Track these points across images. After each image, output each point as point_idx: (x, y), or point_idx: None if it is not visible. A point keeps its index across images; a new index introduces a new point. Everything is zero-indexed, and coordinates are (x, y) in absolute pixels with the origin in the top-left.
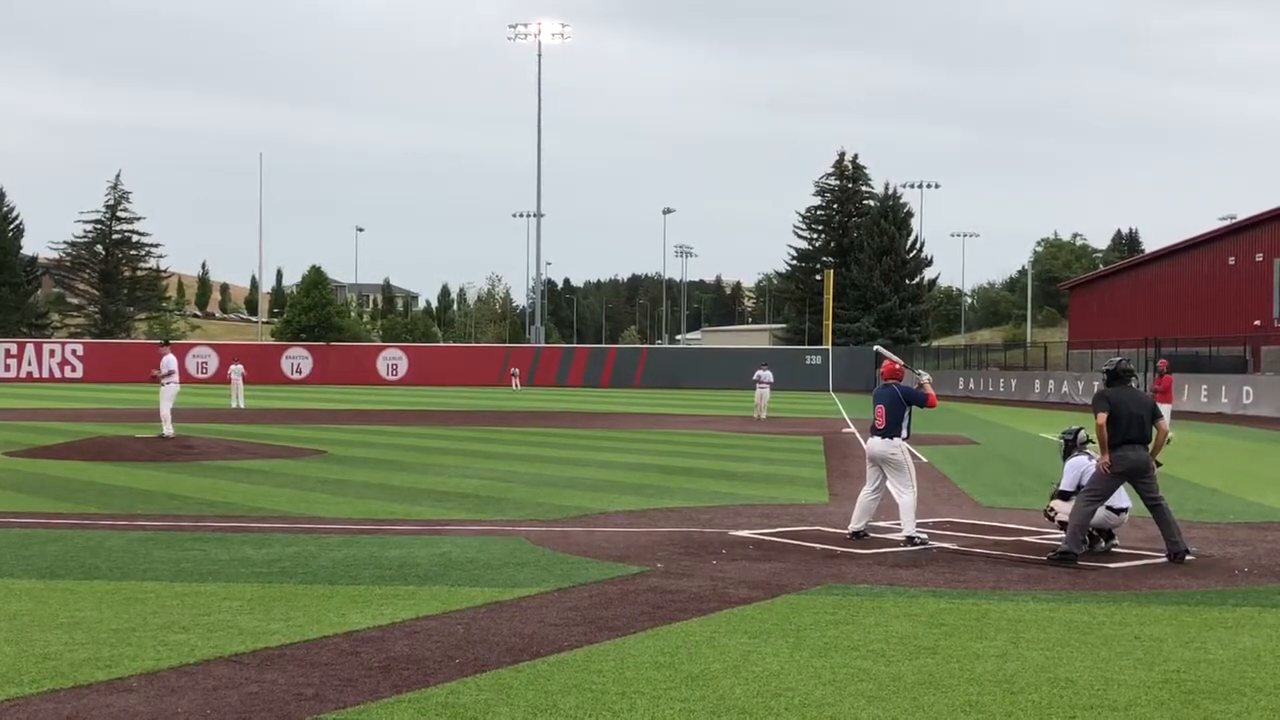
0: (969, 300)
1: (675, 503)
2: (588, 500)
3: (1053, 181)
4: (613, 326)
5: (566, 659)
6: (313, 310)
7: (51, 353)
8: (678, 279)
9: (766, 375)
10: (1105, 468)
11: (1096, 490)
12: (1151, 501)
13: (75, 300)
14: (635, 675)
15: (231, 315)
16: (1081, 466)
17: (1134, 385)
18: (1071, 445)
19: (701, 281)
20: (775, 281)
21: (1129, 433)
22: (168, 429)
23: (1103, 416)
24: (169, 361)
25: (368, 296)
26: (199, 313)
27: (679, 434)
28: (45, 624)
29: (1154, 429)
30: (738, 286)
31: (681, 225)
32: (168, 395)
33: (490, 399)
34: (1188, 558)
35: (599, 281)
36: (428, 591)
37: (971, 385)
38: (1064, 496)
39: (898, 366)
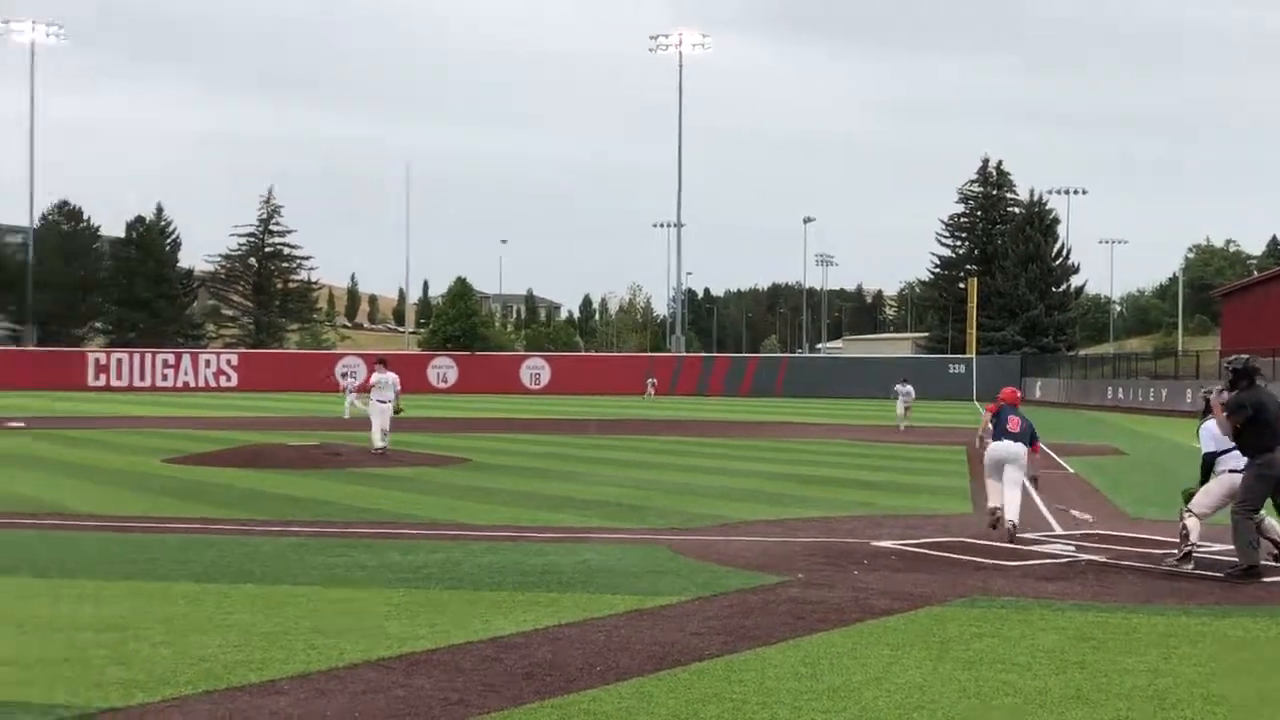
0: (1117, 308)
1: (815, 512)
2: (727, 509)
3: (1205, 187)
4: (753, 335)
5: (707, 668)
6: (458, 320)
7: (207, 363)
8: (818, 287)
9: (905, 389)
10: (1252, 475)
11: (1248, 499)
12: None
13: (230, 312)
14: (776, 685)
15: (379, 326)
16: (1213, 430)
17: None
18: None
19: (842, 290)
20: (917, 290)
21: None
22: (380, 442)
23: (1237, 419)
24: (385, 379)
25: (511, 307)
26: (348, 323)
27: (819, 443)
28: (201, 627)
29: None
30: (879, 295)
31: (822, 233)
32: (379, 411)
33: (631, 408)
34: None
35: (739, 290)
36: (569, 599)
37: (1120, 395)
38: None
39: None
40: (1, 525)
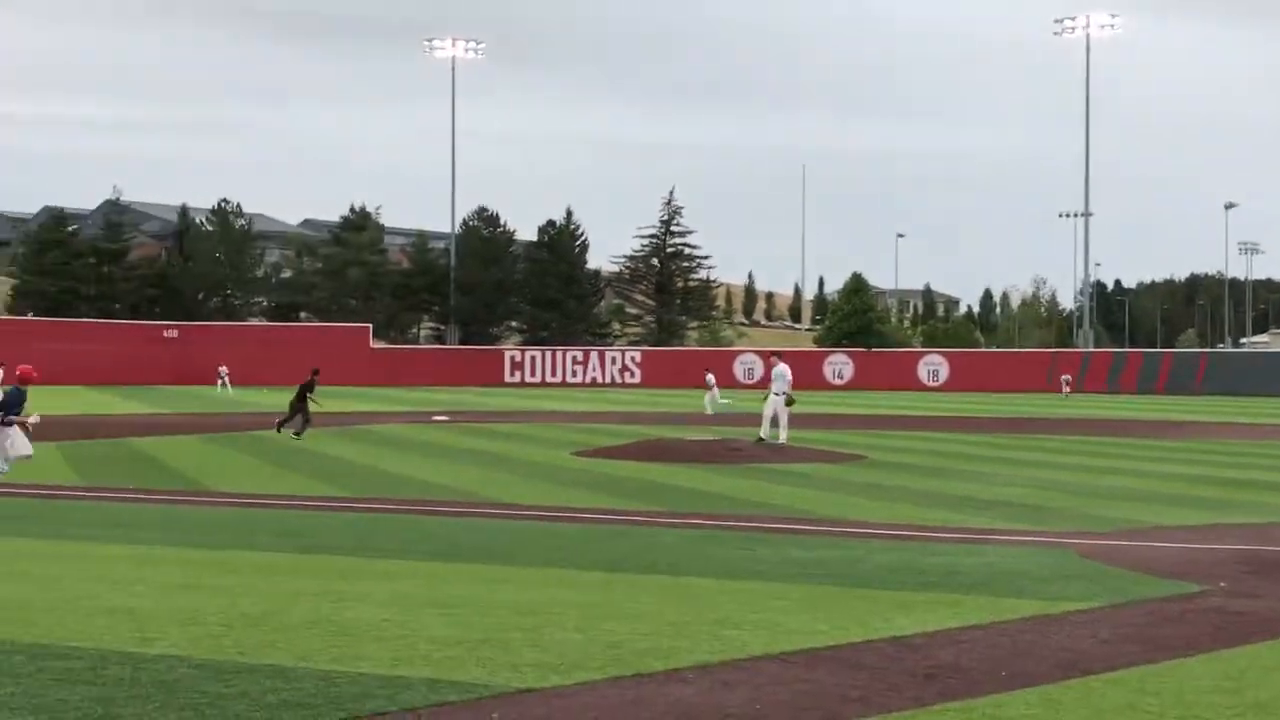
0: None
1: (1240, 518)
2: (1139, 512)
3: None
4: (1168, 329)
5: (1119, 678)
6: (853, 316)
7: (613, 360)
8: (1242, 278)
9: None
10: None
11: None
12: None
13: (633, 310)
14: (1195, 699)
15: (776, 323)
16: None
17: None
18: None
19: (1269, 280)
20: None
21: None
22: (781, 436)
23: None
24: (784, 371)
25: (908, 302)
26: (745, 321)
27: (1246, 445)
28: (611, 613)
29: None
30: None
31: (1245, 220)
32: (775, 404)
33: (1034, 405)
34: None
35: (1152, 282)
36: (972, 601)
37: None
38: None
39: None
40: (428, 513)
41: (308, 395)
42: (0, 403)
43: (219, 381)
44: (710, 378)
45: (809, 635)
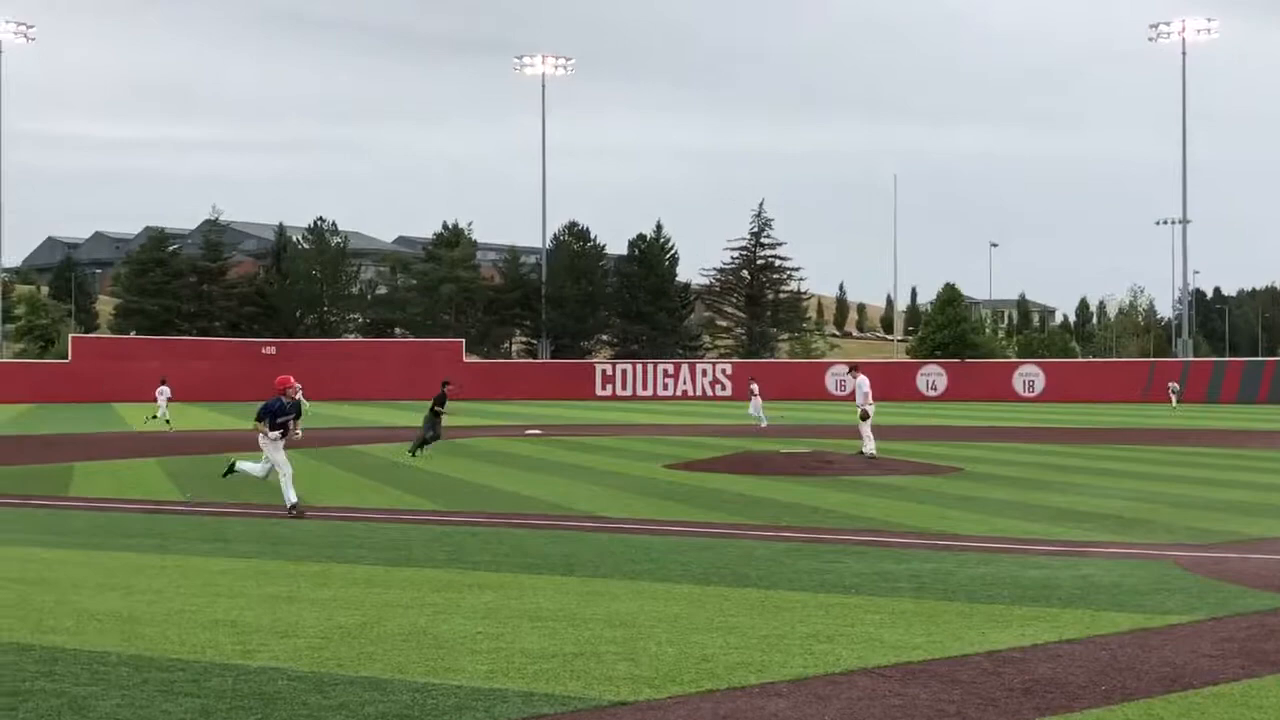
0: None
1: None
2: (1243, 524)
3: None
4: (1270, 338)
5: (1223, 692)
6: (947, 327)
7: (704, 372)
8: None
9: None
10: None
11: None
12: None
13: (724, 323)
14: None
15: (868, 334)
16: None
17: None
18: None
19: None
20: None
21: None
22: (867, 447)
23: None
24: (861, 383)
25: (1002, 312)
26: (837, 332)
27: None
28: (702, 627)
29: None
30: None
31: None
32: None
33: (1131, 416)
34: None
35: (1254, 289)
36: (1070, 614)
37: None
38: None
39: None
40: (521, 525)
41: (439, 410)
42: (266, 411)
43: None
44: (754, 386)
45: (903, 649)
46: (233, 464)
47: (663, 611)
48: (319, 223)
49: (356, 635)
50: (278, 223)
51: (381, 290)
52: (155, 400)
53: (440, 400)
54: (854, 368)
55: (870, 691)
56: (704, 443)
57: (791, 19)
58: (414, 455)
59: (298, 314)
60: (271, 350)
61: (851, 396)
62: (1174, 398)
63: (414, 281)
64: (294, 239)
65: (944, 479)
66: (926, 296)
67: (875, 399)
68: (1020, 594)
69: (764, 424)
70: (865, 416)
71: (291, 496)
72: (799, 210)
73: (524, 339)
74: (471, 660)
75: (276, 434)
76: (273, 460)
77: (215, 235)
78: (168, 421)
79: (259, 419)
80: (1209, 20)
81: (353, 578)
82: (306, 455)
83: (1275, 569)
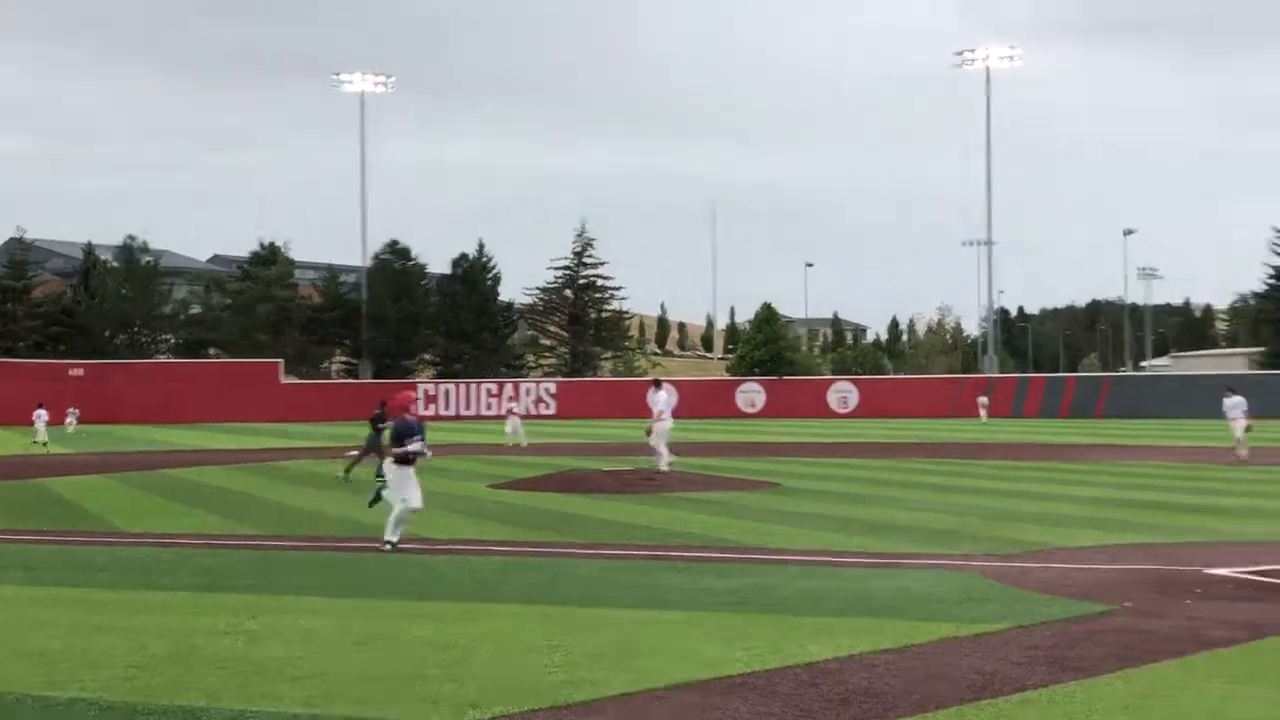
0: None
1: (1143, 538)
2: (1047, 535)
3: None
4: (1070, 355)
5: (1030, 698)
6: (765, 345)
7: (528, 391)
8: (1141, 303)
9: (1233, 402)
10: None
11: None
12: None
13: (547, 342)
14: (1104, 719)
15: (689, 352)
16: None
17: None
18: None
19: (1168, 305)
20: (1251, 302)
21: None
22: (663, 463)
23: None
24: (656, 399)
25: (817, 330)
26: (659, 350)
27: (1145, 466)
28: (526, 646)
29: None
30: (1208, 309)
31: (1144, 246)
32: (660, 431)
33: (942, 431)
34: None
35: (1055, 308)
36: (886, 625)
37: None
38: None
39: None
40: (341, 549)
41: (380, 427)
42: (398, 436)
43: (66, 423)
44: (513, 406)
45: (724, 664)
46: (378, 491)
47: (487, 631)
48: (129, 240)
49: (169, 663)
50: (86, 241)
51: (195, 310)
52: (33, 424)
53: (380, 419)
54: (657, 383)
55: (692, 706)
56: (528, 461)
57: (615, 40)
58: (346, 475)
59: (107, 334)
60: (79, 372)
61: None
62: (983, 412)
63: (229, 301)
64: (103, 258)
65: (764, 494)
66: (745, 315)
67: (695, 415)
68: (838, 606)
69: (524, 443)
70: (649, 432)
71: (395, 535)
72: (622, 230)
73: (344, 359)
74: (291, 686)
75: (409, 459)
76: (403, 493)
77: (20, 253)
78: (44, 445)
79: (395, 445)
80: (1011, 48)
81: (165, 604)
82: (113, 479)
83: (1078, 577)
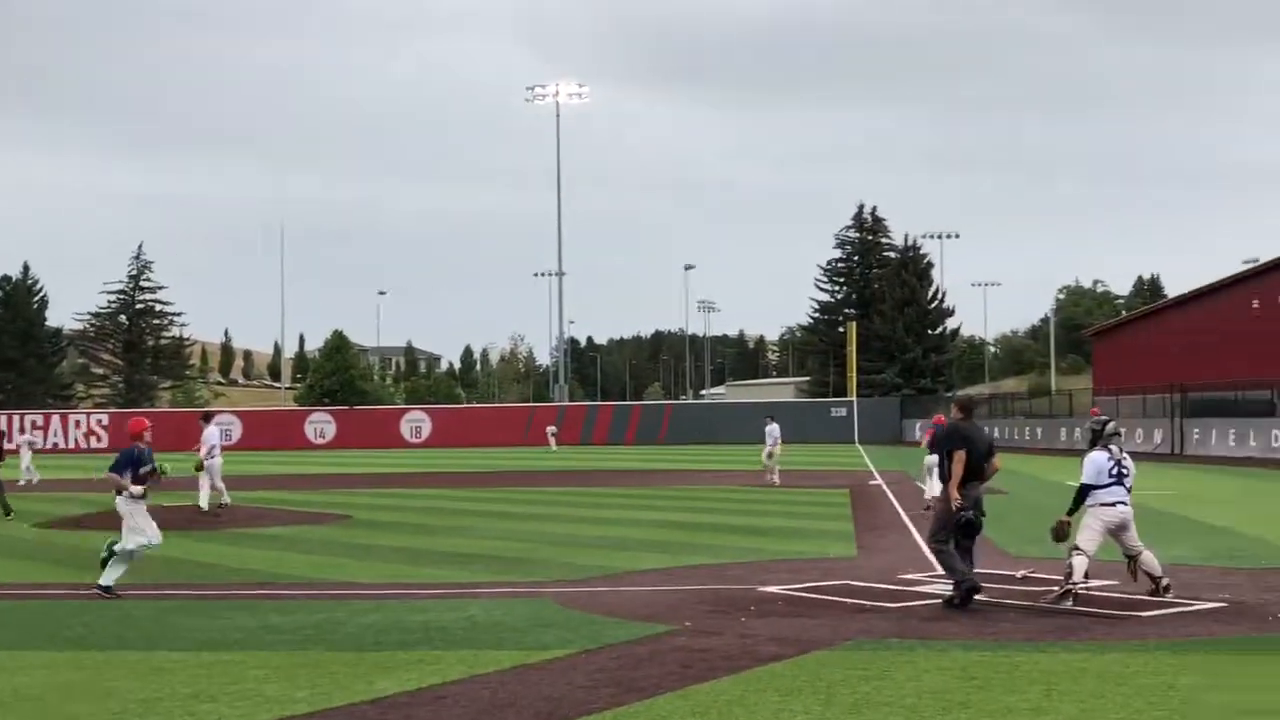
0: (992, 349)
1: (702, 560)
2: (614, 559)
3: (1072, 230)
4: (636, 383)
5: None
6: (335, 374)
7: (77, 423)
8: (700, 334)
9: (771, 428)
10: (956, 506)
11: (941, 531)
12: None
13: (100, 370)
14: None
15: (255, 381)
16: (1098, 462)
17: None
18: (1099, 436)
19: (725, 336)
20: (798, 334)
21: (977, 469)
22: (206, 503)
23: (961, 454)
24: (210, 435)
25: (390, 360)
26: (222, 380)
27: (705, 490)
28: (76, 695)
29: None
30: (761, 340)
31: (704, 280)
32: (214, 469)
33: (515, 459)
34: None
35: (622, 338)
36: (454, 656)
37: (997, 434)
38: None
39: None
40: None
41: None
42: (127, 463)
43: None
44: (23, 438)
45: (287, 703)
46: (111, 547)
47: (36, 681)
48: None
49: None
50: None
51: None
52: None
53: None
54: (206, 416)
55: None
56: (79, 498)
57: (169, 58)
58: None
59: None
60: None
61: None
62: (552, 440)
63: None
64: None
65: (334, 527)
66: (315, 343)
67: (261, 446)
68: (406, 639)
69: (35, 479)
70: (200, 468)
71: (117, 572)
72: (183, 254)
73: None
74: None
75: (140, 490)
76: (140, 527)
77: None
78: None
79: (118, 473)
80: (580, 85)
81: None
82: None
83: (641, 599)
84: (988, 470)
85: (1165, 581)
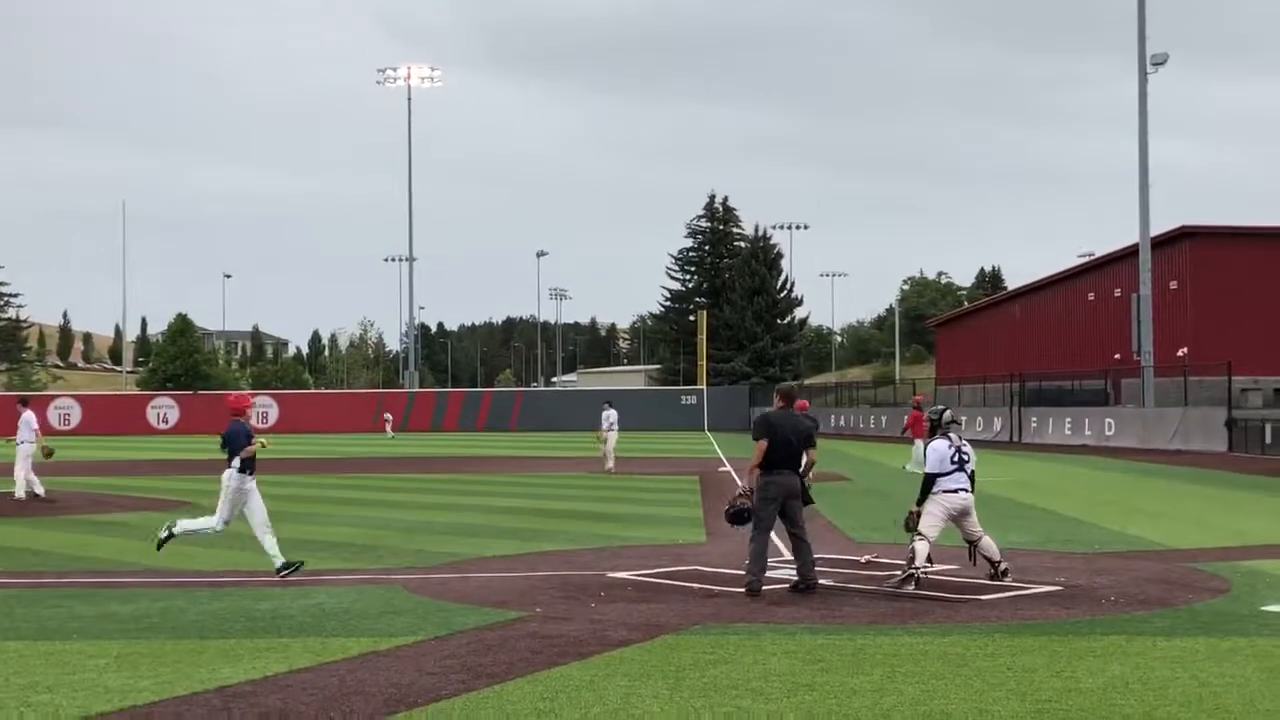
0: (839, 339)
1: (553, 546)
2: (465, 546)
3: (917, 222)
4: (488, 370)
5: (445, 708)
6: (179, 359)
7: None
8: (552, 321)
9: (608, 413)
10: (737, 493)
11: (760, 518)
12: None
13: None
14: None
15: (95, 365)
16: (940, 450)
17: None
18: (937, 425)
19: (576, 324)
20: (650, 323)
21: (783, 458)
22: (22, 490)
23: (761, 444)
24: (27, 420)
25: (236, 344)
26: (61, 363)
27: (556, 477)
28: None
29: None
30: (613, 328)
31: (556, 268)
32: (24, 455)
33: (364, 446)
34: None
35: (473, 325)
36: (301, 644)
37: (843, 422)
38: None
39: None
40: None
41: None
42: (238, 441)
43: None
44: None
45: (130, 694)
46: (171, 528)
47: None
48: None
49: None
50: None
51: None
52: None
53: None
54: (23, 402)
55: None
56: None
57: (11, 30)
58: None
59: None
60: None
61: (72, 431)
62: (388, 427)
63: None
64: None
65: (175, 514)
66: (158, 327)
67: (101, 431)
68: (252, 626)
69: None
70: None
71: (277, 551)
72: (19, 234)
73: None
74: None
75: (248, 472)
76: (241, 508)
77: None
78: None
79: (231, 453)
80: (433, 69)
81: None
82: None
83: (492, 586)
84: (805, 460)
85: (1004, 566)
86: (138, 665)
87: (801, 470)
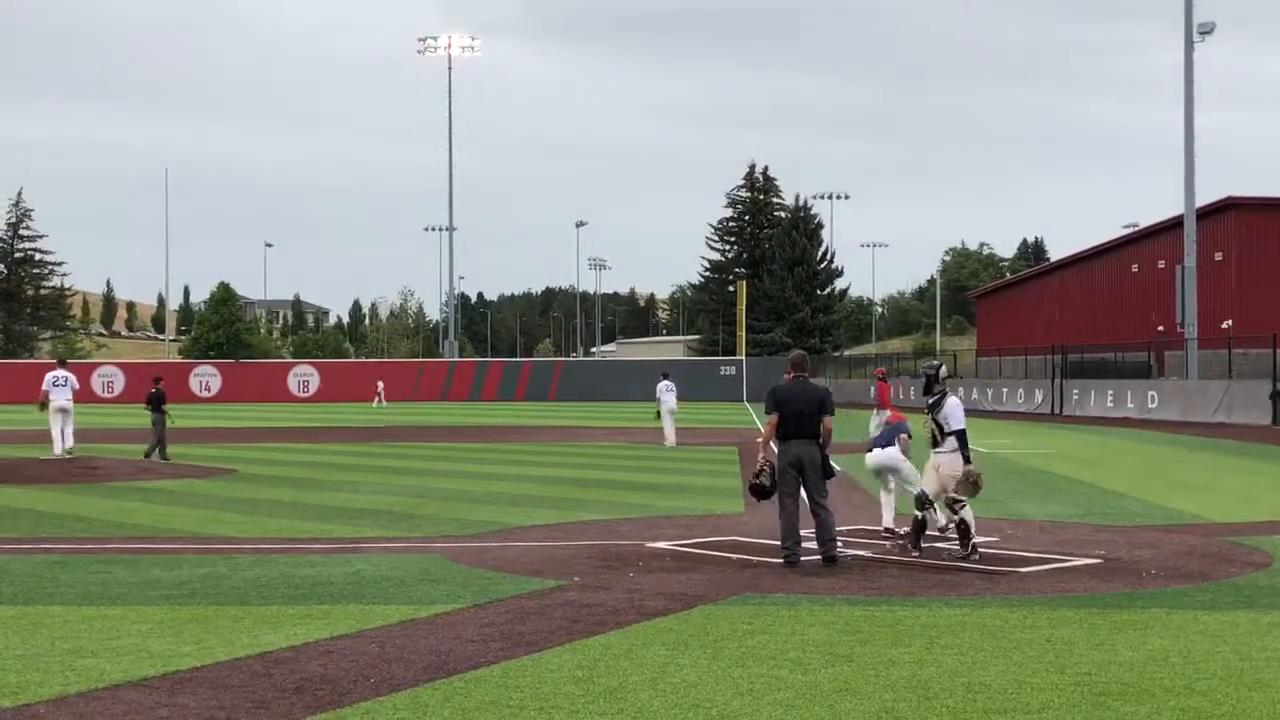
0: (879, 310)
1: (591, 516)
2: (503, 515)
3: (960, 192)
4: (527, 340)
5: (483, 675)
6: (221, 327)
7: None
8: (592, 291)
9: (666, 385)
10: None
11: (782, 489)
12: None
13: None
14: (553, 690)
15: (138, 334)
16: (961, 407)
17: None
18: (934, 380)
19: (616, 294)
20: (689, 293)
21: (796, 429)
22: (60, 447)
23: (773, 417)
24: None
25: (277, 313)
26: (104, 331)
27: (594, 446)
28: None
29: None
30: (651, 299)
31: (595, 238)
32: (59, 410)
33: (403, 414)
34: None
35: (513, 295)
36: (341, 610)
37: None
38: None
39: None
40: None
41: (164, 408)
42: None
43: None
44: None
45: (172, 659)
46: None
47: None
48: None
49: None
50: None
51: None
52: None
53: (158, 398)
54: (61, 363)
55: (137, 704)
56: None
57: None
58: (163, 457)
59: None
60: None
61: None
62: (378, 399)
63: None
64: None
65: (219, 481)
66: (200, 295)
67: (141, 400)
68: (293, 593)
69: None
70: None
71: (889, 519)
72: (65, 202)
73: None
74: None
75: None
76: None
77: None
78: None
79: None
80: (473, 38)
81: None
82: None
83: (531, 554)
84: (822, 430)
85: (904, 539)
86: (181, 630)
87: (821, 440)
